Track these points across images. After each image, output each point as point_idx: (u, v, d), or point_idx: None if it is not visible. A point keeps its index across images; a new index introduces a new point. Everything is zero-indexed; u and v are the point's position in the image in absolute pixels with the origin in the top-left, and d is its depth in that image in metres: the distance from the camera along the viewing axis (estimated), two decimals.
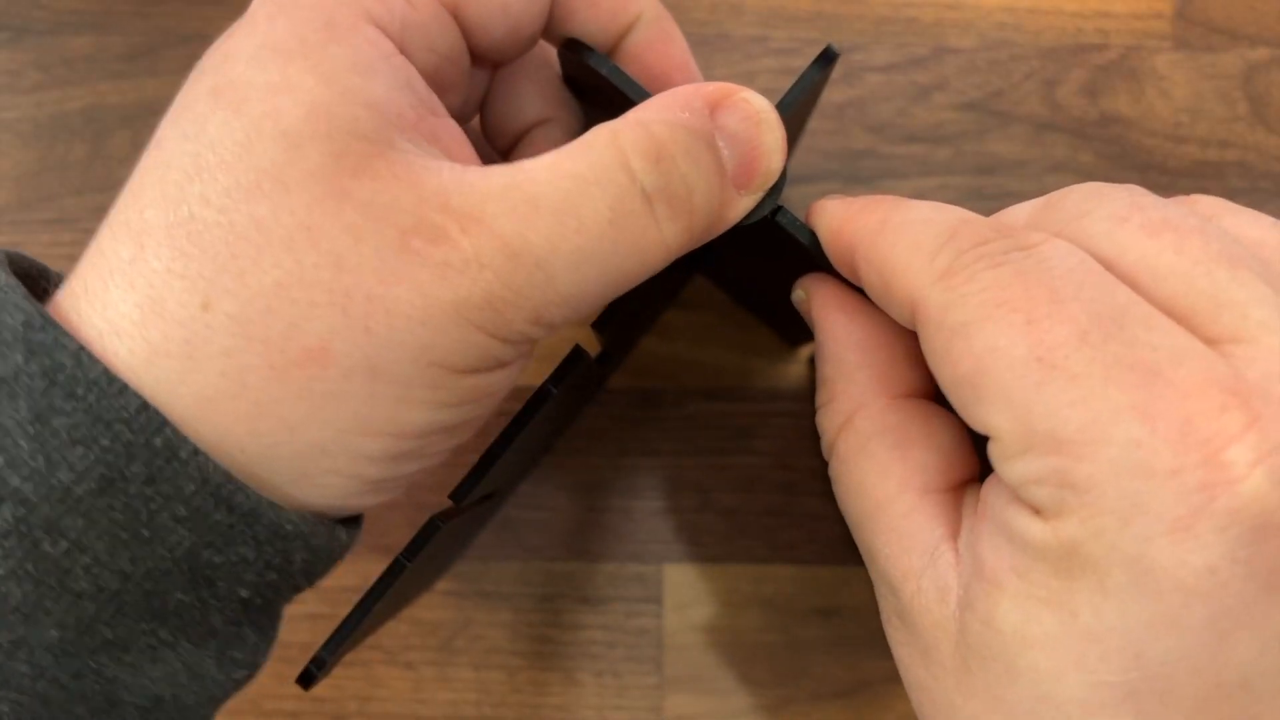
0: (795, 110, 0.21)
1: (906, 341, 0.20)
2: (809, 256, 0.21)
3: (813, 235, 0.20)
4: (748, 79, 0.32)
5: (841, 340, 0.20)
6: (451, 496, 0.20)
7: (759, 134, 0.19)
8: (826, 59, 0.22)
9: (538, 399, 0.21)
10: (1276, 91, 0.32)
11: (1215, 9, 0.33)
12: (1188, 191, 0.32)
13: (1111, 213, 0.17)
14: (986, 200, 0.32)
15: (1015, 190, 0.32)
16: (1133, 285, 0.16)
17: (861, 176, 0.32)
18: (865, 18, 0.32)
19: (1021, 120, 0.32)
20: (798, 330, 0.30)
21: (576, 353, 0.21)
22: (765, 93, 0.32)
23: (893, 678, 0.31)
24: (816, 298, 0.21)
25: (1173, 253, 0.16)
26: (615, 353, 0.27)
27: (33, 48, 0.32)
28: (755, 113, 0.19)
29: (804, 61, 0.32)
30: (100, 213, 0.32)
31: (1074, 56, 0.32)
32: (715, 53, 0.32)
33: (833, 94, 0.32)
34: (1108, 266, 0.16)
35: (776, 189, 0.20)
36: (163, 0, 0.32)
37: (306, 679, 0.20)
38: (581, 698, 0.31)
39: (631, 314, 0.26)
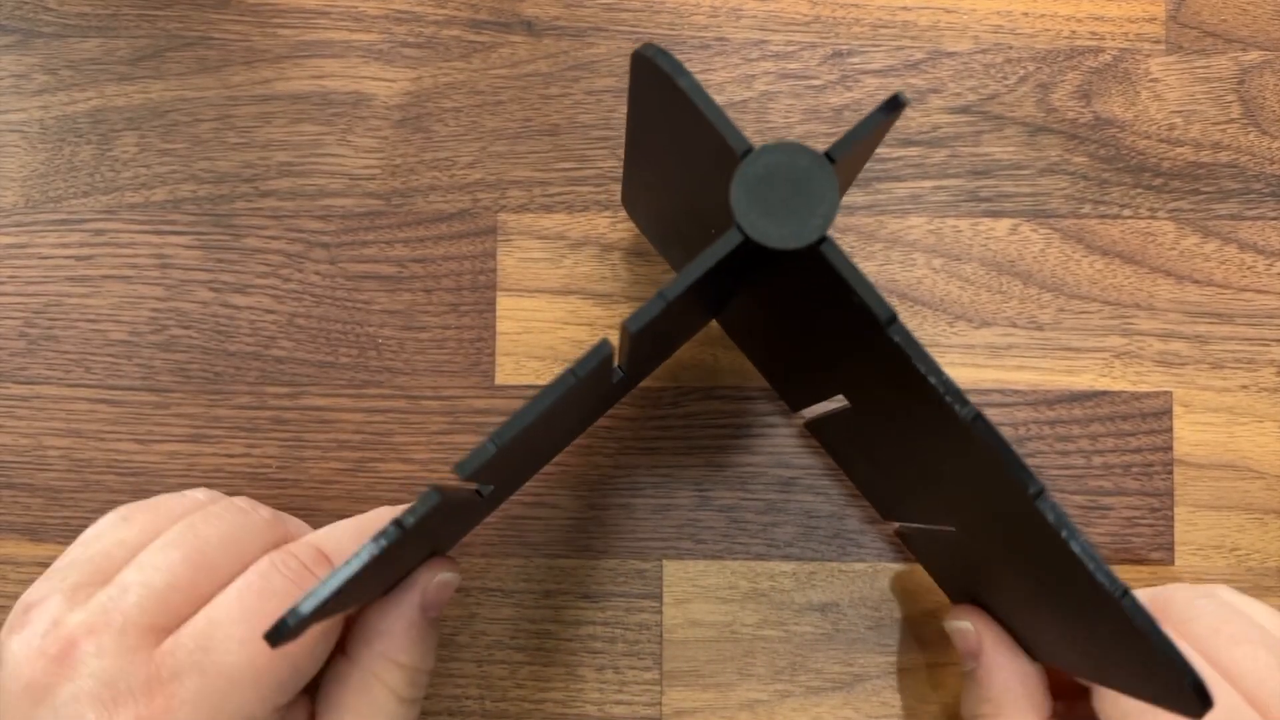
0: (854, 152, 0.21)
1: (1043, 678, 0.28)
2: (848, 291, 0.20)
3: (856, 270, 0.20)
4: (746, 82, 0.32)
5: (1010, 672, 0.27)
6: (456, 469, 0.20)
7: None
8: (892, 106, 0.21)
9: (558, 384, 0.20)
10: (1269, 94, 0.33)
11: (1208, 12, 0.33)
12: (1182, 194, 0.32)
13: (1210, 625, 0.26)
14: (982, 202, 0.32)
15: (1010, 192, 0.32)
16: (1225, 675, 0.25)
17: (858, 180, 0.32)
18: (862, 21, 0.33)
19: (1016, 123, 0.33)
20: (802, 394, 0.30)
21: (602, 345, 0.21)
22: (764, 96, 0.32)
23: (889, 672, 0.31)
24: (988, 636, 0.28)
25: (1249, 660, 0.25)
26: (630, 378, 0.27)
27: (40, 50, 0.32)
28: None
29: (801, 65, 0.32)
30: (106, 214, 0.33)
31: (1068, 60, 0.33)
32: (714, 56, 0.32)
33: (830, 98, 0.32)
34: (1208, 657, 0.25)
35: (825, 216, 0.20)
36: (168, 4, 0.33)
37: (276, 634, 0.20)
38: (582, 692, 0.31)
39: (650, 353, 0.26)
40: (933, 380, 0.20)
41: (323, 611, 0.20)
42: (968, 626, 0.28)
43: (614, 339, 0.27)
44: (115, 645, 0.22)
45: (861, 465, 0.30)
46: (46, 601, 0.24)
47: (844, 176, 0.22)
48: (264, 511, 0.26)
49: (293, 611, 0.19)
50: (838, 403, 0.28)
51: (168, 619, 0.23)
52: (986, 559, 0.25)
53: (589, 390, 0.23)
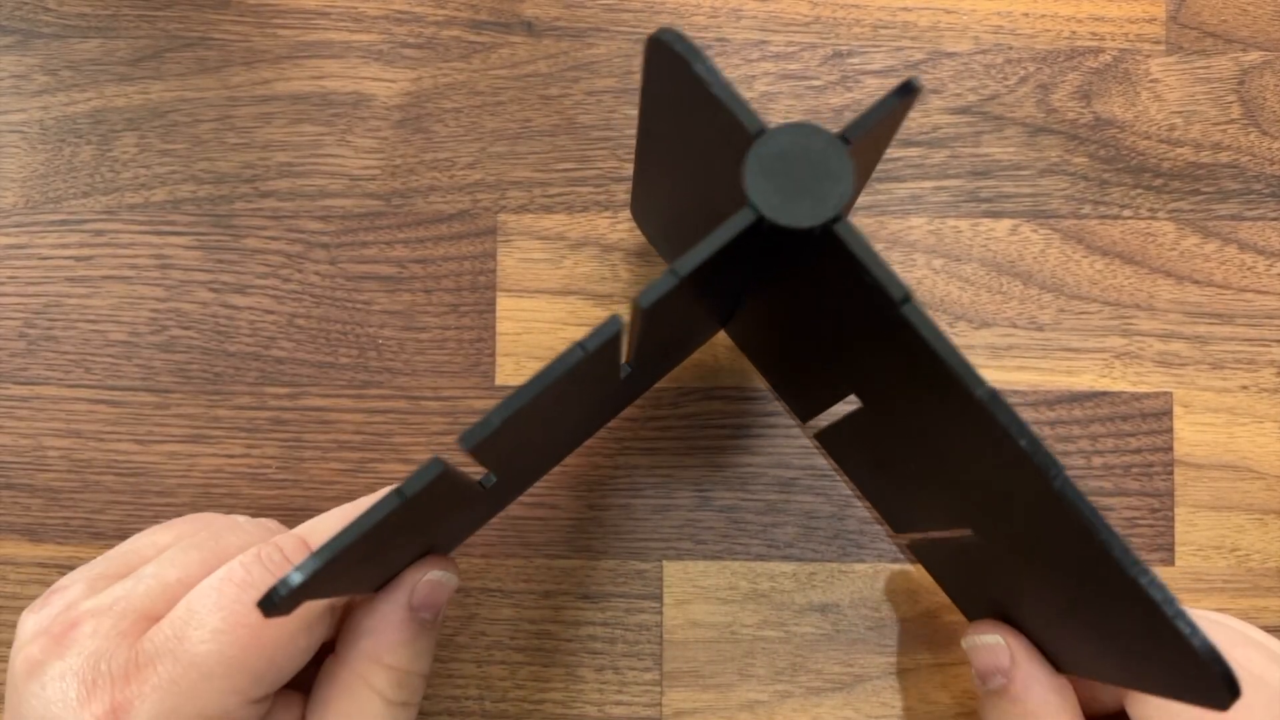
0: (868, 138, 0.21)
1: (1070, 689, 0.27)
2: (862, 272, 0.20)
3: (870, 249, 0.20)
4: (746, 83, 0.32)
5: (1046, 684, 0.26)
6: (460, 440, 0.20)
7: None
8: (905, 90, 0.21)
9: (566, 357, 0.20)
10: (1270, 94, 0.33)
11: (1208, 13, 0.33)
12: (1182, 194, 0.32)
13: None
14: (982, 203, 0.32)
15: (1010, 193, 0.32)
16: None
17: None
18: (862, 22, 0.33)
19: (1016, 124, 0.33)
20: (813, 399, 0.30)
21: (613, 320, 0.20)
22: (764, 97, 0.32)
23: (890, 672, 0.31)
24: (1020, 649, 0.27)
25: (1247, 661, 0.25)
26: (636, 381, 0.27)
27: (40, 51, 0.32)
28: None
29: (801, 66, 0.33)
30: (106, 215, 0.33)
31: (1068, 60, 0.33)
32: (715, 57, 0.32)
33: (830, 98, 0.32)
34: None
35: (840, 196, 0.19)
36: (168, 5, 0.33)
37: (268, 603, 0.19)
38: (582, 693, 0.31)
39: (657, 352, 0.26)
40: (948, 359, 0.20)
41: (314, 585, 0.20)
42: (998, 640, 0.27)
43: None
44: (111, 629, 0.23)
45: (872, 474, 0.30)
46: (70, 588, 0.24)
47: (860, 163, 0.22)
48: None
49: (283, 582, 0.19)
50: (850, 405, 0.27)
51: (168, 609, 0.23)
52: (1005, 563, 0.25)
53: (596, 377, 0.23)
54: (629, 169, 0.32)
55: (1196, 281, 0.32)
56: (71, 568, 0.31)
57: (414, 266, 0.32)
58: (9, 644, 0.31)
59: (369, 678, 0.24)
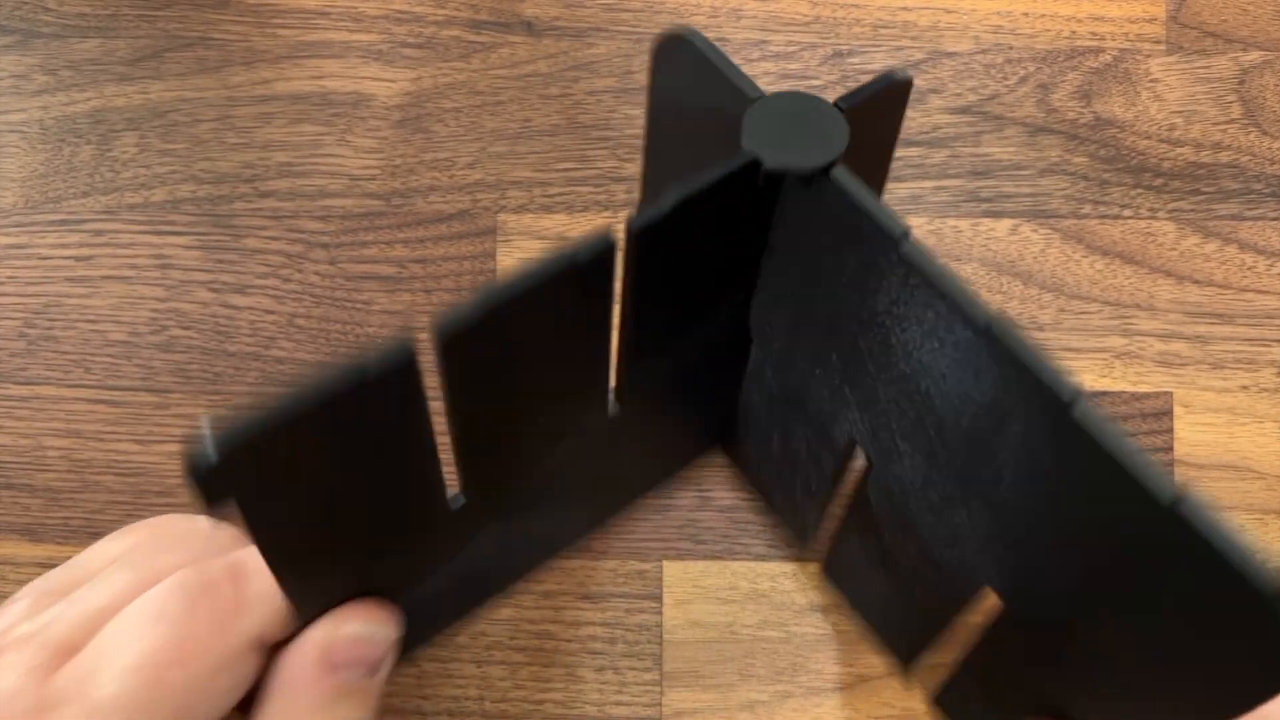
0: (868, 131, 0.21)
1: None
2: (859, 218, 0.20)
3: (867, 192, 0.19)
4: None
5: None
6: (436, 326, 0.18)
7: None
8: (885, 81, 0.21)
9: (555, 261, 0.18)
10: (1270, 94, 0.33)
11: (1208, 13, 0.33)
12: (1182, 194, 0.32)
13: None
14: (982, 202, 0.32)
15: (1010, 193, 0.32)
16: None
17: None
18: (862, 22, 0.33)
19: (1016, 123, 0.33)
20: (814, 489, 0.28)
21: (606, 234, 0.19)
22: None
23: (891, 672, 0.31)
24: None
25: None
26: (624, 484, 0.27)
27: (40, 51, 0.32)
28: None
29: (801, 65, 0.33)
30: (106, 214, 0.33)
31: (1068, 60, 0.33)
32: None
33: (830, 98, 0.32)
34: None
35: (834, 149, 0.20)
36: (168, 4, 0.33)
37: (195, 470, 0.16)
38: (582, 693, 0.31)
39: (648, 392, 0.25)
40: (953, 292, 0.19)
41: (240, 443, 0.16)
42: None
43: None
44: (27, 663, 0.21)
45: (884, 578, 0.28)
46: (16, 605, 0.23)
47: (864, 162, 0.21)
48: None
49: (201, 452, 0.16)
50: (858, 468, 0.26)
51: (88, 640, 0.21)
52: (1045, 622, 0.22)
53: (581, 367, 0.22)
54: (629, 169, 0.32)
55: (1196, 281, 0.32)
56: None
57: (414, 266, 0.32)
58: None
59: None
